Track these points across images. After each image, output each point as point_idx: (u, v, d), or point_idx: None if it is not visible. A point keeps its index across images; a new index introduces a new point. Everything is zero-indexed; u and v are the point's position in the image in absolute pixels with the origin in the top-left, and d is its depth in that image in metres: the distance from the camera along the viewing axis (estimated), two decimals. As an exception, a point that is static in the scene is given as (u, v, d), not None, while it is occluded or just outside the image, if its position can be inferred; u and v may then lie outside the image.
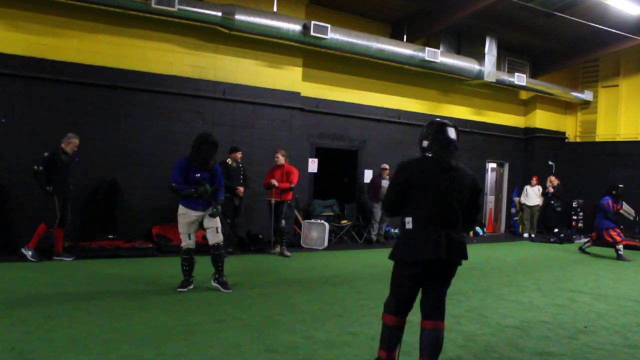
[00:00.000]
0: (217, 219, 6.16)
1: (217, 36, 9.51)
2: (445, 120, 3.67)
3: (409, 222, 3.46)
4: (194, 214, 6.05)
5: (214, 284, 6.16)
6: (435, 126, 3.59)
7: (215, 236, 6.12)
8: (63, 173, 7.51)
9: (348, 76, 11.62)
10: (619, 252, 10.44)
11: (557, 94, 14.76)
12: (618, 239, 10.45)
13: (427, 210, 3.43)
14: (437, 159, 3.50)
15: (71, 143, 7.58)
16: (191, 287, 6.14)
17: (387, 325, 3.53)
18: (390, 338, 3.51)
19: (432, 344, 3.44)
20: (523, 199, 14.33)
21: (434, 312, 3.48)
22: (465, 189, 3.54)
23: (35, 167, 7.29)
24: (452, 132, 3.56)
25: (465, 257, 3.51)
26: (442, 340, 3.48)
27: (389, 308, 3.55)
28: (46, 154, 7.39)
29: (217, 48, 9.70)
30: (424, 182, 3.46)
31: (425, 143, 3.58)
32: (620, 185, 10.88)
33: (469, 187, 3.56)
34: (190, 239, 6.10)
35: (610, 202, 10.59)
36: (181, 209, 6.07)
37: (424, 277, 3.48)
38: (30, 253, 7.35)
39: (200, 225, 6.24)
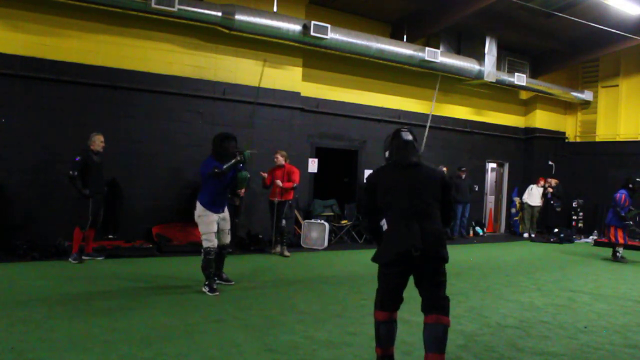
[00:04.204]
0: (229, 220, 6.29)
1: (217, 36, 9.51)
2: (401, 127, 3.91)
3: (384, 224, 3.65)
4: (213, 215, 6.06)
5: (217, 281, 6.18)
6: (391, 135, 3.86)
7: (226, 237, 6.28)
8: (96, 174, 7.50)
9: (348, 76, 11.62)
10: (617, 253, 10.20)
11: (557, 94, 14.76)
12: (621, 241, 10.17)
13: (397, 207, 3.57)
14: (397, 160, 3.70)
15: (96, 141, 7.56)
16: (218, 293, 5.93)
17: (377, 320, 3.64)
18: (380, 333, 3.61)
19: (434, 337, 3.43)
20: (526, 198, 14.27)
21: (432, 306, 3.50)
22: (432, 182, 3.64)
23: (71, 172, 7.27)
24: (406, 135, 3.80)
25: (442, 247, 3.51)
26: (444, 333, 3.45)
27: (376, 303, 3.69)
28: (78, 158, 7.34)
29: (217, 48, 9.70)
30: (388, 183, 3.65)
31: (387, 153, 3.84)
32: (638, 179, 10.40)
33: (436, 180, 3.66)
34: (215, 237, 6.05)
35: (623, 195, 10.10)
36: (201, 210, 6.02)
37: (407, 273, 3.58)
38: (73, 256, 7.39)
39: None
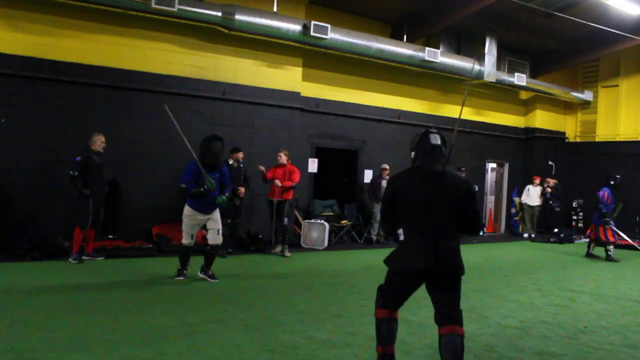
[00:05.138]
0: (219, 221, 6.49)
1: (217, 36, 9.51)
2: (430, 128, 3.71)
3: (401, 234, 3.51)
4: (199, 217, 6.38)
5: (201, 275, 6.60)
6: (419, 135, 3.66)
7: (216, 238, 6.47)
8: (96, 174, 7.52)
9: (348, 76, 11.62)
10: (609, 252, 10.22)
11: (557, 94, 14.76)
12: (612, 239, 10.18)
13: (415, 219, 3.44)
14: (422, 166, 3.53)
15: (96, 141, 7.57)
16: (182, 278, 6.58)
17: (377, 318, 3.61)
18: (381, 331, 3.56)
19: (453, 348, 3.34)
20: (524, 199, 14.30)
21: (446, 318, 3.42)
22: (454, 193, 3.47)
23: (71, 172, 7.28)
24: (435, 138, 3.59)
25: (457, 266, 3.45)
26: (460, 344, 3.36)
27: (376, 301, 3.64)
28: (78, 158, 7.35)
29: (217, 48, 9.69)
30: (409, 191, 3.50)
31: (412, 154, 3.68)
32: (618, 176, 10.51)
33: (459, 190, 3.49)
34: (192, 238, 6.47)
35: (606, 193, 10.20)
36: (188, 211, 6.38)
37: (419, 283, 3.52)
38: (74, 256, 7.39)
39: (203, 227, 6.57)
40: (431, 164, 3.50)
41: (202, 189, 6.19)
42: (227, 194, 6.51)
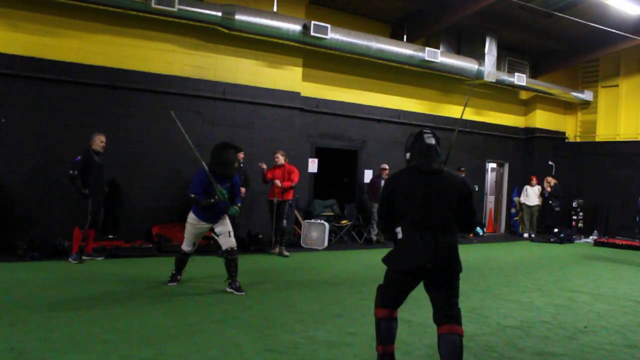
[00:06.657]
0: (229, 223, 6.19)
1: (217, 36, 9.51)
2: (424, 129, 3.74)
3: (399, 232, 3.52)
4: (205, 225, 6.09)
5: (229, 290, 6.05)
6: (414, 136, 3.69)
7: (228, 240, 6.09)
8: (96, 174, 7.52)
9: (348, 76, 11.62)
10: None
11: (557, 94, 14.76)
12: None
13: (413, 217, 3.45)
14: (418, 165, 3.56)
15: (96, 141, 7.58)
16: (176, 284, 6.29)
17: (377, 317, 3.62)
18: (381, 330, 3.57)
19: (452, 347, 3.35)
20: (523, 199, 14.33)
21: (445, 317, 3.42)
22: (452, 191, 3.51)
23: (71, 171, 7.29)
24: (430, 138, 3.62)
25: (455, 263, 3.45)
26: (459, 343, 3.37)
27: (376, 300, 3.65)
28: (78, 157, 7.36)
29: (217, 48, 9.70)
30: (407, 190, 3.51)
31: (408, 155, 3.70)
32: None
33: (456, 189, 3.53)
34: (193, 246, 6.20)
35: None
36: (192, 219, 6.06)
37: (417, 281, 3.53)
38: (74, 256, 7.39)
39: (212, 231, 6.22)
40: (428, 163, 3.53)
41: (212, 200, 5.87)
42: (239, 205, 6.19)
